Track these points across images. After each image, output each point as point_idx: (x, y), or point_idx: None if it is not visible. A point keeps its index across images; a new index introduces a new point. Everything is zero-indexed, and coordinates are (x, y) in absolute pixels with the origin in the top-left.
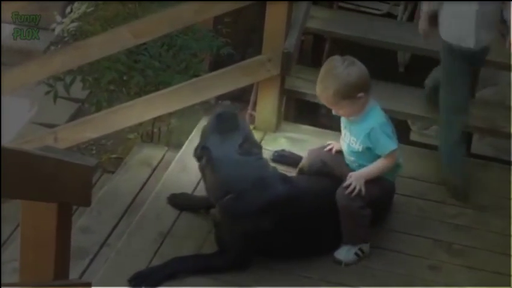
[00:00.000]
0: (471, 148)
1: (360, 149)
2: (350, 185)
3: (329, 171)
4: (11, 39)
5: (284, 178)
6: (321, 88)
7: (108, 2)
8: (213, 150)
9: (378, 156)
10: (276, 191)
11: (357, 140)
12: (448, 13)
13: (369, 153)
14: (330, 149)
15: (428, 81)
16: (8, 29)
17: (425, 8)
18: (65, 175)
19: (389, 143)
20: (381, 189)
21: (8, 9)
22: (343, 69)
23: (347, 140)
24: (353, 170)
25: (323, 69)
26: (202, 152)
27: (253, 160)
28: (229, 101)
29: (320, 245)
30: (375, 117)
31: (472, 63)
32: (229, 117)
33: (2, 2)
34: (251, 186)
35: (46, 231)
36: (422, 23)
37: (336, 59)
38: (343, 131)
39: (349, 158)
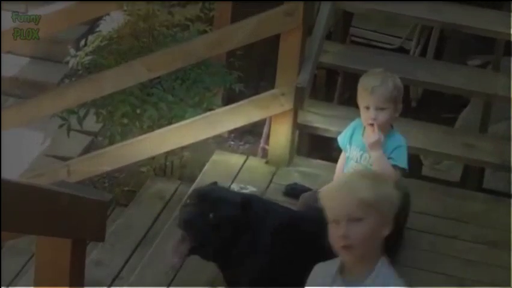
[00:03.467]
0: (483, 183)
1: None
2: None
3: None
4: (26, 72)
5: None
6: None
7: (122, 36)
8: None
9: None
10: None
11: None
12: None
13: None
14: None
15: None
16: (23, 61)
17: None
18: (80, 211)
19: (405, 162)
20: None
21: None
22: (390, 75)
23: (366, 163)
24: None
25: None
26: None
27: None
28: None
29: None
30: (401, 136)
31: None
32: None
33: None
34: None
35: (60, 266)
36: None
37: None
38: (358, 155)
39: None
